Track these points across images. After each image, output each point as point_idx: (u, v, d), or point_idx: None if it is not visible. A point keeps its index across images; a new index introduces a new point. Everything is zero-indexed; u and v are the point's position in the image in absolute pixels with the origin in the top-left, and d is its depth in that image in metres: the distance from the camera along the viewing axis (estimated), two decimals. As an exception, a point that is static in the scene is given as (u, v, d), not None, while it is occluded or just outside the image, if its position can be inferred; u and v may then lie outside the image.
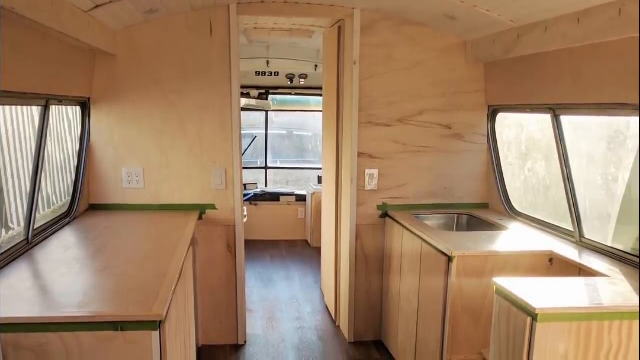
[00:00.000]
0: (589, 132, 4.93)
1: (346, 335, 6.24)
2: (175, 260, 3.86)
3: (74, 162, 5.44)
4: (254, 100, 10.94)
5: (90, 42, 4.43)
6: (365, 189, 5.87)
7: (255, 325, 6.62)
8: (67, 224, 4.99)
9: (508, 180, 5.88)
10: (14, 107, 4.69)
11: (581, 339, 3.07)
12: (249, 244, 9.26)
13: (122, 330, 2.87)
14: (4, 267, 3.66)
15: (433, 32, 5.75)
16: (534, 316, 3.03)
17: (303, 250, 10.29)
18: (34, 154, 4.38)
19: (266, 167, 12.08)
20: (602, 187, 4.84)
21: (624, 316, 3.08)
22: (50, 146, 5.03)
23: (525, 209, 5.66)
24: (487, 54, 5.42)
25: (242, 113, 5.78)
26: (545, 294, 3.23)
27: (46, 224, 4.66)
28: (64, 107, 5.41)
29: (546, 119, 4.85)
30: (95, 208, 5.59)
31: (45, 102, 4.33)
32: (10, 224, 4.85)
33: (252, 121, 12.59)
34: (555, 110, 4.63)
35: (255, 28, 6.82)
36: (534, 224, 5.28)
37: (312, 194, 10.19)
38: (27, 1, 3.08)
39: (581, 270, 4.03)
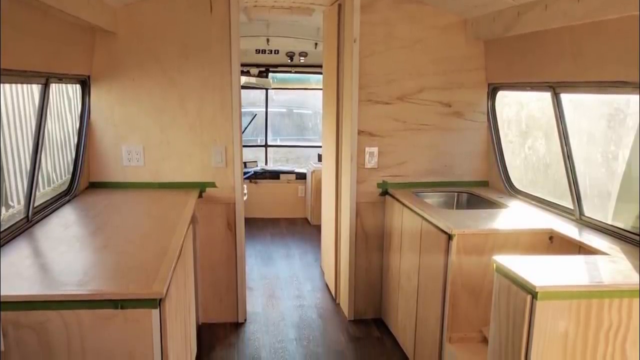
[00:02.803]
0: (589, 110, 4.93)
1: (346, 313, 6.26)
2: (175, 239, 3.86)
3: (74, 140, 5.43)
4: (254, 78, 10.91)
5: (90, 19, 4.41)
6: (365, 166, 5.86)
7: (255, 303, 6.64)
8: (67, 202, 4.99)
9: (508, 158, 5.87)
10: (13, 85, 4.68)
11: (581, 317, 3.08)
12: (249, 222, 9.28)
13: (122, 308, 2.88)
14: (4, 245, 3.66)
15: (433, 10, 5.72)
16: (534, 294, 3.03)
17: (303, 228, 10.30)
18: (34, 132, 4.37)
19: (266, 145, 12.06)
20: (602, 165, 4.84)
21: (624, 294, 3.09)
22: (51, 124, 5.02)
23: (525, 187, 5.66)
24: (487, 31, 5.40)
25: (242, 91, 5.76)
26: (546, 272, 3.24)
27: (46, 202, 4.66)
28: (64, 85, 5.39)
29: (546, 97, 4.84)
30: (95, 186, 5.58)
31: (45, 80, 4.32)
32: (10, 202, 4.86)
33: (252, 99, 12.58)
34: (556, 88, 4.62)
35: (255, 6, 6.79)
36: (534, 202, 5.28)
37: (312, 172, 10.19)
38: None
39: (581, 248, 4.03)
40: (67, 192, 5.12)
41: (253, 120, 12.21)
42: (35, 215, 4.26)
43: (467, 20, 5.74)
